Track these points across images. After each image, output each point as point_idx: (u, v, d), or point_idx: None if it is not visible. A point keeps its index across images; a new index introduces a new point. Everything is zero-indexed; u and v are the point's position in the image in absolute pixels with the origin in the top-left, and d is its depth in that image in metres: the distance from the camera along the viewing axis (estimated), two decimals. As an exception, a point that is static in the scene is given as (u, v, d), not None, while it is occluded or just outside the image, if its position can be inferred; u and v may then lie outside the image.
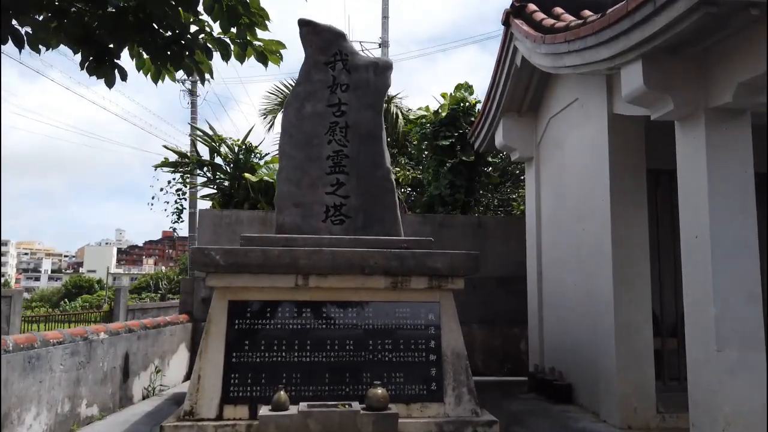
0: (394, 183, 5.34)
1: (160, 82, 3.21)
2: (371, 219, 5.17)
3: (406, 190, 9.92)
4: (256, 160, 8.23)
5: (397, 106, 11.47)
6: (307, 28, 5.32)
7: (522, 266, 7.23)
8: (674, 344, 5.88)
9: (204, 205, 8.82)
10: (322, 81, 5.28)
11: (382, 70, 5.37)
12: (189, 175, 8.34)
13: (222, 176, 8.18)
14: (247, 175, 7.71)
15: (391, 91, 12.42)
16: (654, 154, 5.13)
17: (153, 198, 9.20)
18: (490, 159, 9.15)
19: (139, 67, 3.16)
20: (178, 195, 8.62)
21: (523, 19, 5.53)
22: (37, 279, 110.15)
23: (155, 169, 8.47)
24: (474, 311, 7.48)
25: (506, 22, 5.80)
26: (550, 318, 6.17)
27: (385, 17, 22.38)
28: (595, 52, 4.08)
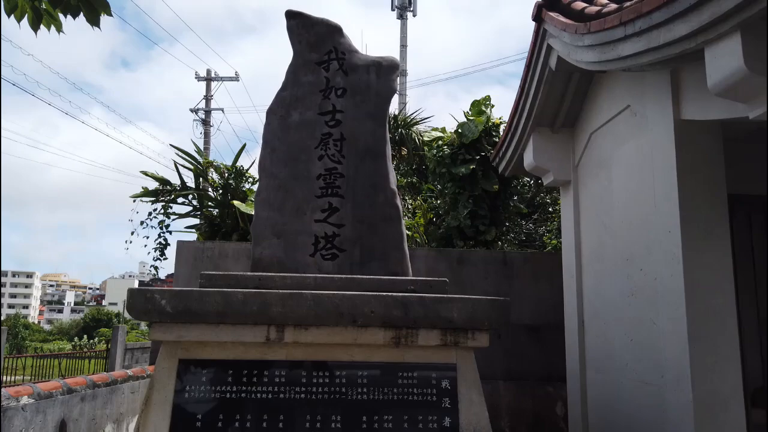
0: (401, 209, 4.30)
1: (45, 30, 2.28)
2: (371, 254, 4.13)
3: (428, 226, 8.83)
4: (248, 186, 7.31)
5: (414, 130, 10.52)
6: (296, 20, 4.41)
7: (556, 311, 6.09)
8: (762, 417, 4.63)
9: (191, 237, 7.82)
10: (313, 84, 4.34)
11: (386, 71, 4.40)
12: (172, 205, 7.42)
13: (209, 204, 7.25)
14: (236, 202, 6.77)
15: (408, 109, 11.49)
16: (727, 176, 4.01)
17: (133, 233, 8.09)
18: (515, 185, 8.06)
19: (9, 11, 2.25)
20: (161, 228, 7.66)
21: (559, 11, 4.54)
22: (60, 311, 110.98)
23: (134, 201, 7.56)
24: (498, 365, 6.30)
25: (537, 17, 4.81)
26: (596, 380, 4.96)
27: (403, 46, 21.84)
28: (666, 31, 3.03)
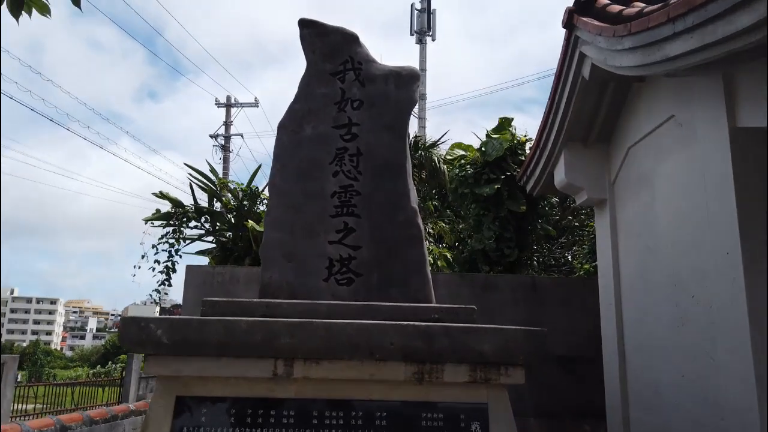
0: (423, 230, 3.94)
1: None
2: (390, 278, 3.76)
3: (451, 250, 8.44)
4: (262, 208, 7.02)
5: (434, 152, 10.20)
6: (310, 29, 4.15)
7: (592, 341, 5.63)
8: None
9: (203, 262, 7.48)
10: (328, 95, 4.04)
11: (406, 81, 4.10)
12: (184, 227, 7.12)
13: (222, 226, 6.97)
14: (250, 223, 6.47)
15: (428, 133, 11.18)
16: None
17: (143, 257, 7.68)
18: (542, 206, 7.62)
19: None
20: (170, 251, 7.33)
21: (593, 16, 4.20)
22: (82, 337, 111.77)
23: (145, 223, 7.30)
24: (529, 401, 5.80)
25: (569, 24, 4.48)
26: (641, 420, 4.46)
27: (422, 70, 21.71)
28: (725, 24, 2.68)
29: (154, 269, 7.31)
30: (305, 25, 4.15)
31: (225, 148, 20.96)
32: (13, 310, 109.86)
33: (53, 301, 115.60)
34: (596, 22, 4.05)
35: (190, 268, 5.93)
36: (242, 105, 22.33)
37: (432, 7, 22.02)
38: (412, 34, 21.92)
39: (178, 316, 3.18)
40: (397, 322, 3.06)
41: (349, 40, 4.12)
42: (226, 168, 20.65)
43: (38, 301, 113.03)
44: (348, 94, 4.03)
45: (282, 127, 4.03)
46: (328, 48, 4.10)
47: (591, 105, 4.84)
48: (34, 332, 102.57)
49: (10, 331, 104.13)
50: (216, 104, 22.04)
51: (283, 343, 2.98)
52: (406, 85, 4.09)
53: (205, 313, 3.33)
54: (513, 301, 6.30)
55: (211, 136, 21.08)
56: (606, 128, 5.01)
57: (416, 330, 3.00)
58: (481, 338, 3.03)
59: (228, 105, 22.00)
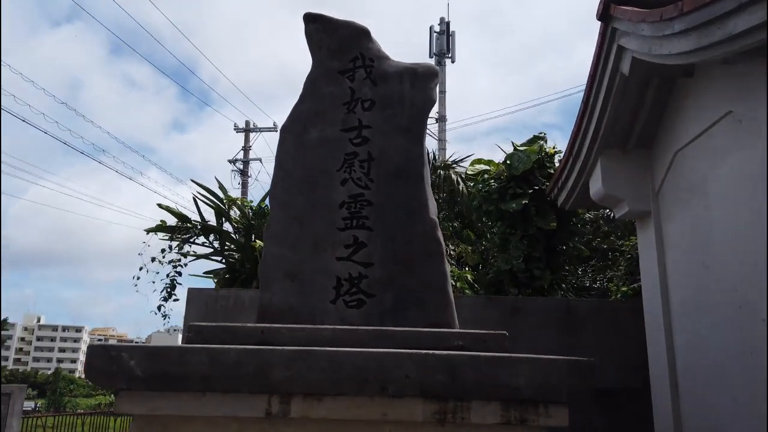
0: (443, 244, 3.46)
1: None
2: (406, 299, 3.29)
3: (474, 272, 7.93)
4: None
5: (454, 170, 9.76)
6: (316, 24, 3.78)
7: (636, 372, 5.06)
8: None
9: (210, 284, 7.01)
10: (336, 95, 3.64)
11: (422, 79, 3.68)
12: (187, 243, 6.72)
13: (230, 246, 6.56)
14: (257, 243, 6.07)
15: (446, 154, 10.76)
16: None
17: (141, 269, 6.96)
18: (574, 223, 7.05)
19: None
20: (174, 267, 6.90)
21: (632, 4, 3.75)
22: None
23: (147, 233, 6.93)
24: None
25: (604, 15, 4.03)
26: (703, 465, 3.84)
27: (441, 92, 21.43)
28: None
29: (154, 281, 6.88)
30: (311, 19, 3.77)
31: (243, 173, 20.81)
32: (38, 338, 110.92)
33: (78, 329, 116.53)
34: (637, 9, 3.59)
35: (192, 291, 5.51)
36: (260, 129, 22.26)
37: (451, 29, 21.82)
38: (431, 56, 21.72)
39: (154, 345, 2.73)
40: (415, 351, 2.59)
41: (359, 34, 3.73)
42: (244, 193, 20.44)
43: (64, 329, 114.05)
44: (358, 94, 3.63)
45: (285, 130, 3.63)
46: (336, 44, 3.71)
47: (630, 106, 4.34)
48: (59, 360, 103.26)
49: (36, 359, 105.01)
50: (235, 129, 22.01)
51: (279, 377, 2.52)
52: (422, 84, 3.66)
53: (191, 340, 2.89)
54: (545, 327, 5.73)
55: (230, 161, 21.01)
56: (647, 132, 4.50)
57: (437, 360, 2.52)
58: (516, 370, 2.53)
59: (247, 130, 21.93)
